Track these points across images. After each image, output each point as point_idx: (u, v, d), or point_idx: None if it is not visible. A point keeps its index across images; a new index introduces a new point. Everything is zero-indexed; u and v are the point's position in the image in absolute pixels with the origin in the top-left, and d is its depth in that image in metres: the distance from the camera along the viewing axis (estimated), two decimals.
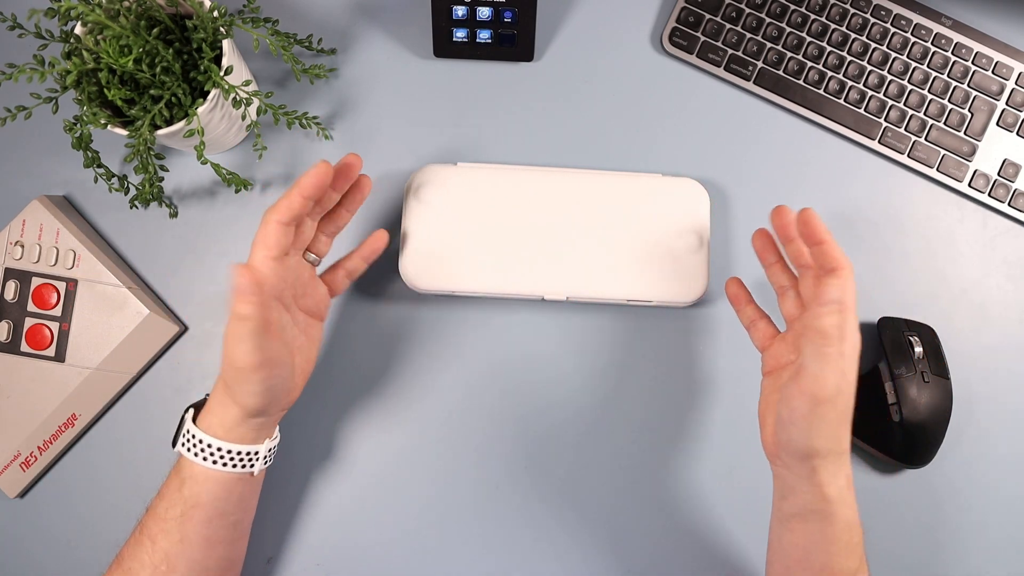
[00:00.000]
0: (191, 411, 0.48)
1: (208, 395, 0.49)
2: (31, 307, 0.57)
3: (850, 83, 0.61)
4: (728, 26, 0.61)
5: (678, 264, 0.56)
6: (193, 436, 0.47)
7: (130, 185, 0.55)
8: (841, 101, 0.61)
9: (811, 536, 0.44)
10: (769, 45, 0.61)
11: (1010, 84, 0.61)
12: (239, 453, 0.47)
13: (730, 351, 0.58)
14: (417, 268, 0.56)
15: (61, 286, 0.57)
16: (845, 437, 0.43)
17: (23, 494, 0.57)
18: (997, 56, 0.61)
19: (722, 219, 0.60)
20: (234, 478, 0.48)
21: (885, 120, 0.61)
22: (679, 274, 0.56)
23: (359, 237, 0.59)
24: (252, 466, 0.48)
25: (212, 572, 0.49)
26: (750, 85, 0.61)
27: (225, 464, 0.47)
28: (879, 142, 0.61)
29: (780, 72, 0.61)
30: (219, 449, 0.47)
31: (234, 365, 0.44)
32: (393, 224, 0.59)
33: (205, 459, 0.46)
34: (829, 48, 0.61)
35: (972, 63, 0.61)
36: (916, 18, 0.61)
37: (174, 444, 0.48)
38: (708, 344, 0.59)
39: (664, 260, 0.56)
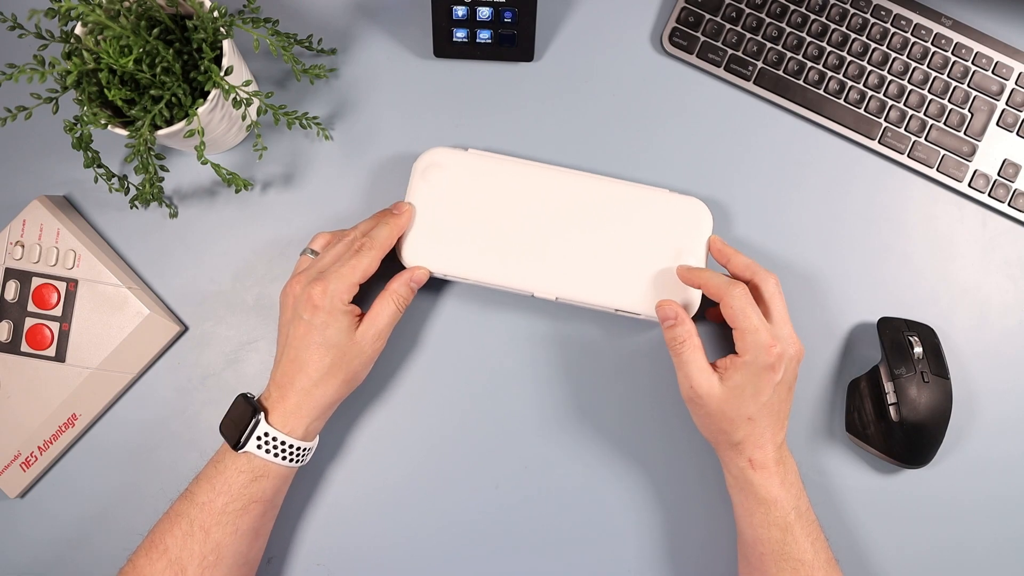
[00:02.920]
0: (261, 414, 0.50)
1: (254, 396, 0.52)
2: (31, 307, 0.57)
3: (850, 83, 0.61)
4: (728, 26, 0.61)
5: (672, 281, 0.55)
6: (275, 439, 0.50)
7: (130, 185, 0.55)
8: (841, 101, 0.61)
9: (737, 508, 0.52)
10: (769, 45, 0.61)
11: (1010, 84, 0.61)
12: (307, 449, 0.52)
13: None
14: (415, 248, 0.56)
15: (61, 286, 0.57)
16: (732, 430, 0.50)
17: (23, 494, 0.57)
18: (997, 56, 0.61)
19: (721, 219, 0.60)
20: (292, 471, 0.52)
21: (885, 120, 0.61)
22: (672, 292, 0.55)
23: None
24: (306, 459, 0.53)
25: (250, 565, 0.52)
26: (750, 85, 0.61)
27: (295, 460, 0.51)
28: (879, 142, 0.61)
29: (780, 72, 0.61)
30: (298, 448, 0.51)
31: (377, 349, 0.53)
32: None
33: (285, 458, 0.50)
34: (829, 48, 0.61)
35: (972, 63, 0.61)
36: (916, 18, 0.61)
37: (238, 447, 0.50)
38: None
39: (658, 275, 0.55)
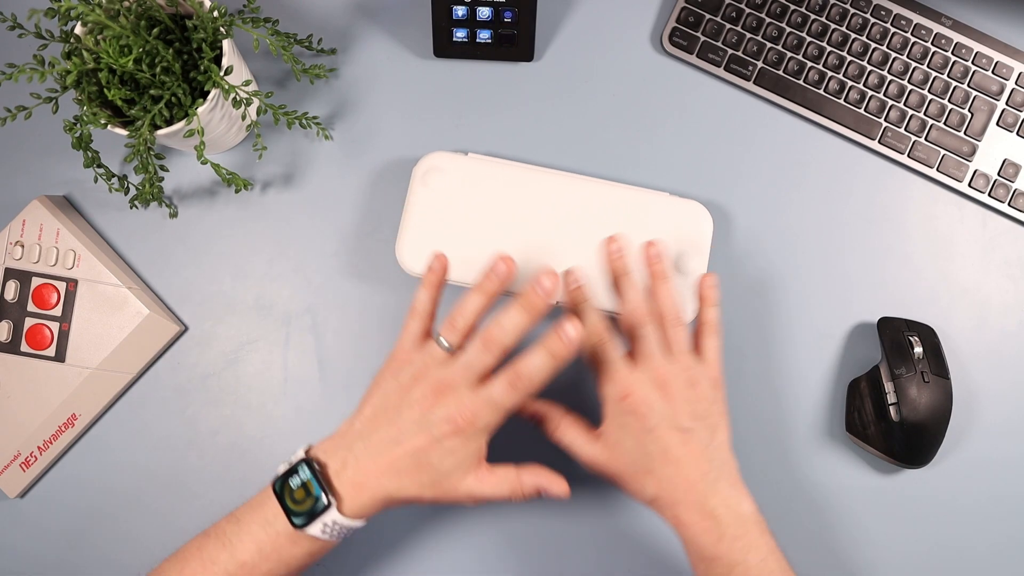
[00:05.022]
0: (334, 502, 0.46)
1: (320, 464, 0.47)
2: (31, 307, 0.57)
3: (850, 83, 0.61)
4: (728, 26, 0.61)
5: (672, 287, 0.55)
6: (341, 526, 0.46)
7: (130, 185, 0.55)
8: (841, 101, 0.61)
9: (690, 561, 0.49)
10: (769, 45, 0.61)
11: (1010, 84, 0.60)
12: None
13: None
14: (413, 252, 0.56)
15: (61, 286, 0.57)
16: (640, 488, 0.48)
17: (23, 494, 0.57)
18: (997, 56, 0.61)
19: (721, 220, 0.60)
20: None
21: (885, 120, 0.61)
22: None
23: (360, 224, 0.59)
24: None
25: None
26: (750, 85, 0.61)
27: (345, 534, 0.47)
28: (879, 142, 0.61)
29: (780, 72, 0.61)
30: (352, 529, 0.47)
31: (463, 505, 0.49)
32: (394, 208, 0.59)
33: (341, 535, 0.47)
34: (829, 48, 0.61)
35: (972, 63, 0.61)
36: (916, 18, 0.61)
37: (303, 526, 0.45)
38: None
39: None
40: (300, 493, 0.46)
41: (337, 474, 0.46)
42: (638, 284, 0.51)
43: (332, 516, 0.45)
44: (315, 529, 0.45)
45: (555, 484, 0.49)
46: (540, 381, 0.47)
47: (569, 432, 0.50)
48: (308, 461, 0.46)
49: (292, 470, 0.46)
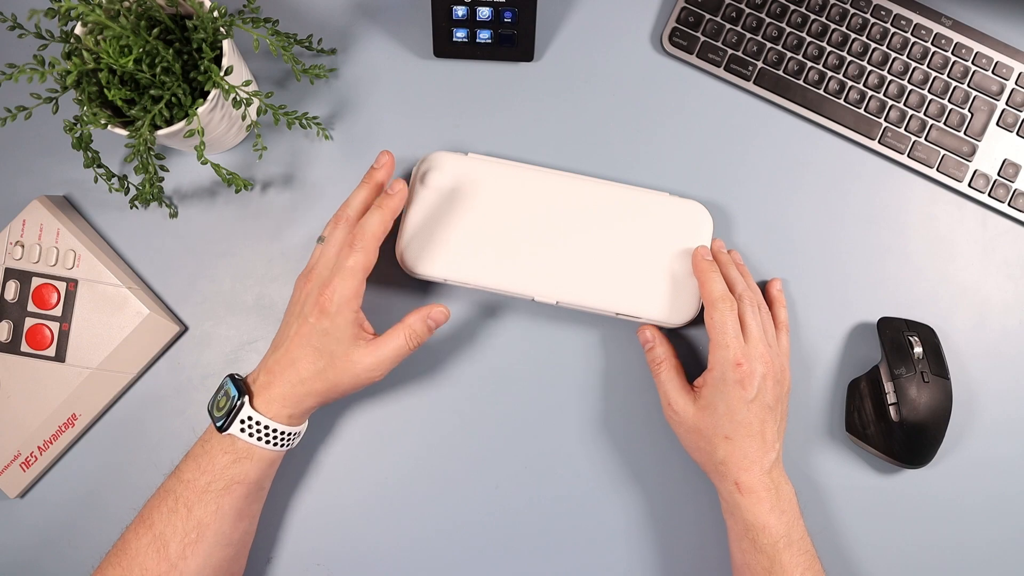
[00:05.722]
0: (246, 398, 0.50)
1: (242, 377, 0.52)
2: (31, 307, 0.57)
3: (850, 83, 0.61)
4: (728, 26, 0.61)
5: (672, 285, 0.56)
6: (257, 423, 0.50)
7: (130, 185, 0.55)
8: (841, 101, 0.61)
9: (729, 533, 0.52)
10: (769, 45, 0.61)
11: (1010, 84, 0.60)
12: (290, 434, 0.51)
13: None
14: (413, 252, 0.56)
15: (61, 286, 0.57)
16: (712, 449, 0.51)
17: (23, 494, 0.58)
18: (997, 56, 0.61)
19: (721, 219, 0.60)
20: (278, 455, 0.52)
21: (885, 120, 0.61)
22: (672, 295, 0.56)
23: None
24: (293, 443, 0.53)
25: (234, 547, 0.51)
26: (750, 85, 0.61)
27: (277, 444, 0.51)
28: (879, 142, 0.61)
29: (780, 72, 0.61)
30: (279, 432, 0.50)
31: (371, 378, 0.51)
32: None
33: (268, 442, 0.50)
34: (829, 48, 0.61)
35: (972, 63, 0.61)
36: (916, 18, 0.61)
37: (223, 428, 0.50)
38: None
39: (659, 279, 0.56)
40: (222, 401, 0.51)
41: (253, 380, 0.51)
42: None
43: (247, 411, 0.49)
44: (235, 428, 0.49)
45: (435, 312, 0.52)
46: (374, 234, 0.51)
47: (670, 374, 0.54)
48: (231, 375, 0.52)
49: (219, 388, 0.52)
